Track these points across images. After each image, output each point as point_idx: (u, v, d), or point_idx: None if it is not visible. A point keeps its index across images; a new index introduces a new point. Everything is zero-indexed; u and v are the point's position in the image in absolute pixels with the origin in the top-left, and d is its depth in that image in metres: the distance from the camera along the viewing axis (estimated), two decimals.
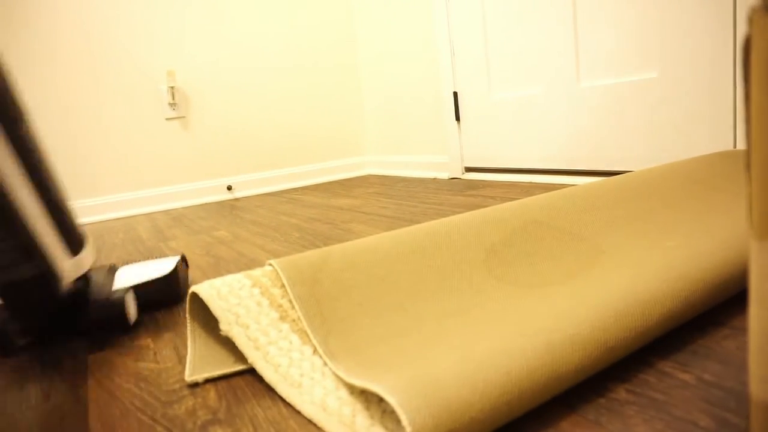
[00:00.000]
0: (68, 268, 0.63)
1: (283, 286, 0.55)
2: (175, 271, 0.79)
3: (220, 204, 2.05)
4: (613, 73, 1.35)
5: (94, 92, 1.94)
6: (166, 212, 2.00)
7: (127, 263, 0.84)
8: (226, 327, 0.51)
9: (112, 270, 0.79)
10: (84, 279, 0.72)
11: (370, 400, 0.43)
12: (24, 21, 1.82)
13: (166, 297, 0.79)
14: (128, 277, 0.77)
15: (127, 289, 0.70)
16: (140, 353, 0.64)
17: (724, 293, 0.52)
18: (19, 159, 0.57)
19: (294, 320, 0.53)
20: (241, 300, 0.53)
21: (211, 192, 2.16)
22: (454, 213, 1.25)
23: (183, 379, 0.55)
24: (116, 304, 0.67)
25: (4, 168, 0.53)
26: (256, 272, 0.57)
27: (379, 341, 0.48)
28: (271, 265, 0.56)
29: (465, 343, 0.43)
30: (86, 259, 0.69)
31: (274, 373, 0.49)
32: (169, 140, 2.08)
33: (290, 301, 0.54)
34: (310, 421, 0.44)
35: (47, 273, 0.57)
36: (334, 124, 2.41)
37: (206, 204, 2.10)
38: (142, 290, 0.75)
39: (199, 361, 0.55)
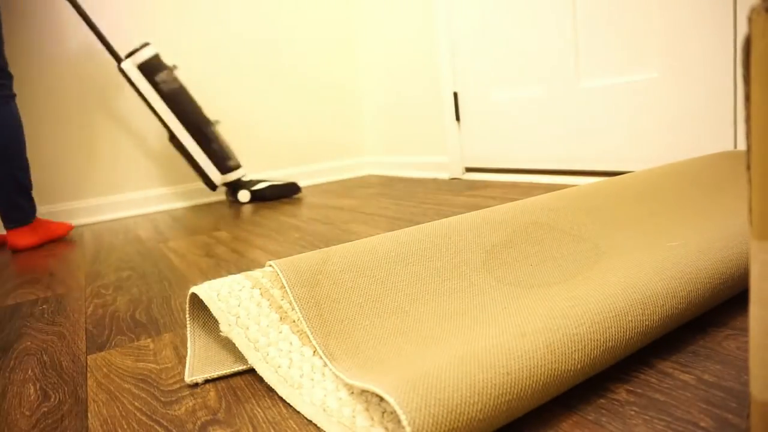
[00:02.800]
0: (217, 179, 1.89)
1: (283, 287, 0.55)
2: (292, 183, 1.95)
3: (220, 204, 2.05)
4: (613, 73, 1.35)
5: (94, 92, 1.94)
6: (166, 213, 2.00)
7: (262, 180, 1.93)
8: (226, 328, 0.51)
9: (256, 181, 1.95)
10: (237, 183, 1.94)
11: (370, 400, 0.43)
12: (24, 19, 1.82)
13: (290, 191, 1.93)
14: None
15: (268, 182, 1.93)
16: (140, 353, 0.64)
17: (725, 294, 0.52)
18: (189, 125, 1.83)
19: (294, 321, 0.53)
20: (241, 301, 0.53)
21: (211, 192, 2.16)
22: (454, 213, 1.25)
23: (183, 380, 0.55)
24: (264, 188, 1.92)
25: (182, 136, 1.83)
26: (256, 273, 0.57)
27: (378, 342, 0.48)
28: (271, 266, 0.56)
29: (465, 343, 0.43)
30: (230, 176, 1.91)
31: (275, 375, 0.49)
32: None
33: (290, 303, 0.54)
34: (310, 422, 0.44)
35: (208, 179, 1.88)
36: (334, 125, 2.41)
37: (206, 204, 2.10)
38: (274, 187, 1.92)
39: (199, 362, 0.55)
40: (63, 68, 1.89)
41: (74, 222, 1.94)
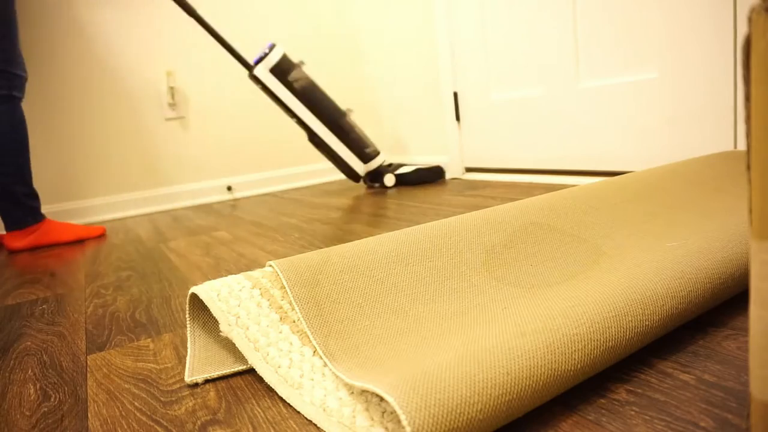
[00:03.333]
0: (360, 169, 1.89)
1: (283, 287, 0.55)
2: (437, 166, 1.89)
3: (220, 204, 2.05)
4: (613, 73, 1.35)
5: (94, 93, 1.94)
6: (166, 212, 2.00)
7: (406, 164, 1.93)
8: (226, 328, 0.51)
9: (397, 165, 1.95)
10: (378, 169, 1.90)
11: (370, 400, 0.43)
12: (24, 22, 1.82)
13: (435, 175, 1.89)
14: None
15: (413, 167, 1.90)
16: (140, 353, 0.64)
17: (725, 294, 0.52)
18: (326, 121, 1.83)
19: (294, 321, 0.53)
20: (241, 301, 0.53)
21: (211, 192, 2.16)
22: (454, 213, 1.25)
23: (183, 380, 0.55)
24: (408, 172, 1.88)
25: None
26: (256, 273, 0.57)
27: (378, 342, 0.48)
28: (271, 266, 0.56)
29: (465, 343, 0.43)
30: (373, 164, 1.89)
31: (275, 375, 0.49)
32: (169, 140, 2.08)
33: (290, 303, 0.54)
34: (309, 422, 0.44)
35: (352, 171, 1.89)
36: None
37: (206, 204, 2.10)
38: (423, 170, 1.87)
39: (199, 362, 0.55)
40: (64, 68, 1.89)
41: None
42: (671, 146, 1.24)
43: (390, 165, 1.95)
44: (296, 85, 1.77)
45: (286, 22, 2.25)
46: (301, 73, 1.79)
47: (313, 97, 1.79)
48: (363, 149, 1.86)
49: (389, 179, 1.87)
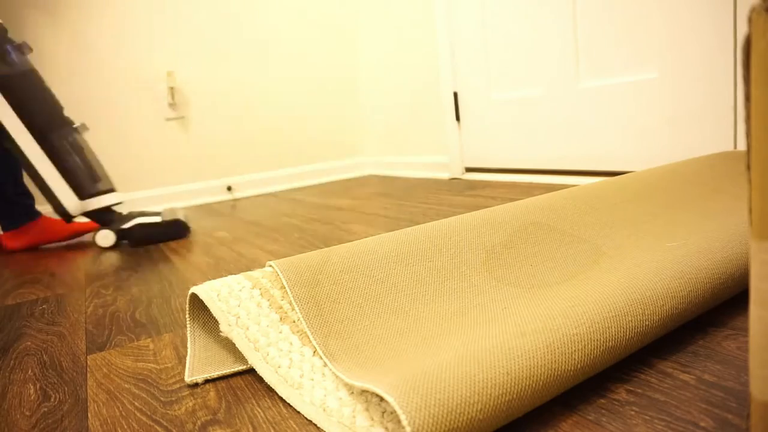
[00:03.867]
0: (72, 205, 1.36)
1: (283, 287, 0.55)
2: (177, 220, 1.40)
3: (220, 204, 2.05)
4: (613, 73, 1.35)
5: (94, 93, 1.94)
6: None
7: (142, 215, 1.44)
8: (226, 328, 0.51)
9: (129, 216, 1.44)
10: (105, 214, 1.43)
11: (370, 400, 0.43)
12: (23, 21, 1.82)
13: (175, 231, 1.40)
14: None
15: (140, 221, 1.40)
16: (140, 353, 0.64)
17: (725, 294, 0.52)
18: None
19: (294, 321, 0.53)
20: (241, 302, 0.53)
21: (211, 192, 2.16)
22: (454, 213, 1.25)
23: (183, 380, 0.55)
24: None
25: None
26: (256, 273, 0.57)
27: (378, 342, 0.48)
28: (271, 266, 0.56)
29: (465, 343, 0.43)
30: (92, 203, 1.39)
31: (275, 375, 0.49)
32: (169, 140, 2.08)
33: (290, 303, 0.54)
34: (309, 422, 0.44)
35: (60, 205, 1.37)
36: (334, 125, 2.41)
37: (206, 204, 2.10)
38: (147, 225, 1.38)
39: (199, 362, 0.55)
40: (61, 66, 1.89)
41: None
42: (671, 146, 1.24)
43: (121, 215, 1.44)
44: (2, 71, 1.29)
45: (284, 19, 2.25)
46: (16, 57, 1.32)
47: (22, 93, 1.31)
48: (81, 180, 1.36)
49: (104, 237, 1.37)
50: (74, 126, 1.39)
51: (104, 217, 1.41)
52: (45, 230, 1.52)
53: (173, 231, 1.39)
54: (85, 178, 1.37)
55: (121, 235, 1.38)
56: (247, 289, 0.55)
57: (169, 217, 1.40)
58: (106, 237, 1.38)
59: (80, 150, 1.38)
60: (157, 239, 1.38)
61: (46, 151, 1.33)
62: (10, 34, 1.38)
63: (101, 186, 1.41)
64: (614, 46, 1.33)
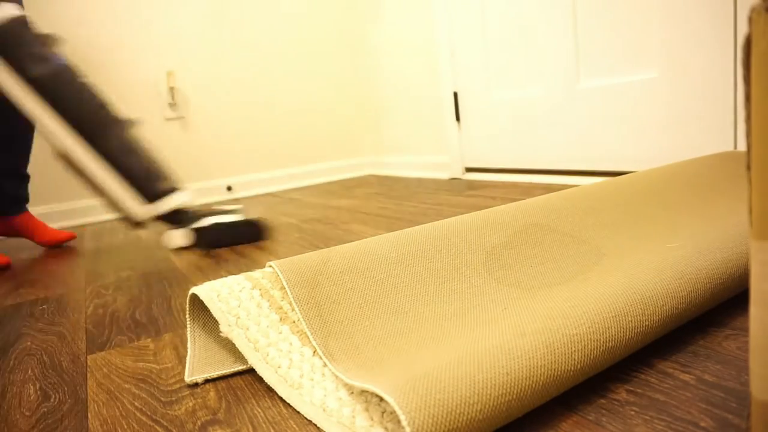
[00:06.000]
0: (139, 211, 1.18)
1: (283, 288, 0.55)
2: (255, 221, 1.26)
3: (221, 204, 2.05)
4: (613, 73, 1.35)
5: None
6: None
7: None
8: (226, 329, 0.51)
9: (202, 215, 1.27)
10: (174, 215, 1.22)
11: (370, 401, 0.43)
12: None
13: (253, 233, 1.26)
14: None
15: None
16: (140, 353, 0.64)
17: (725, 294, 0.52)
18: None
19: (294, 322, 0.53)
20: (241, 302, 0.53)
21: (211, 192, 2.16)
22: (454, 214, 1.25)
23: (183, 380, 0.55)
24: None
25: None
26: (256, 274, 0.57)
27: (378, 343, 0.48)
28: (271, 266, 0.56)
29: (464, 343, 0.43)
30: (161, 207, 1.19)
31: (275, 375, 0.49)
32: (169, 140, 2.08)
33: (290, 304, 0.54)
34: (309, 422, 0.44)
35: (125, 213, 1.19)
36: (333, 125, 2.41)
37: (206, 204, 2.10)
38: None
39: (199, 362, 0.55)
40: None
41: (74, 222, 1.94)
42: (671, 146, 1.24)
43: (191, 212, 1.24)
44: (33, 68, 1.10)
45: (284, 19, 2.25)
46: (49, 51, 1.14)
47: (62, 93, 1.13)
48: (146, 181, 1.17)
49: (178, 237, 1.22)
50: (126, 122, 1.20)
51: (176, 217, 1.22)
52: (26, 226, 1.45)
53: (251, 232, 1.24)
54: (149, 178, 1.18)
55: (194, 235, 1.22)
56: (247, 289, 0.55)
57: (244, 216, 1.26)
58: (180, 237, 1.22)
59: (137, 148, 1.19)
60: (232, 242, 1.23)
61: (100, 155, 1.15)
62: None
63: (166, 185, 1.20)
64: (614, 46, 1.33)
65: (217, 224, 1.22)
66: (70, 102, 1.13)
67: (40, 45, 1.12)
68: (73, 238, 1.52)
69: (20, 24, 1.11)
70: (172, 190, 1.20)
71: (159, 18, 2.02)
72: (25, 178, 1.47)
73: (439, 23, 1.88)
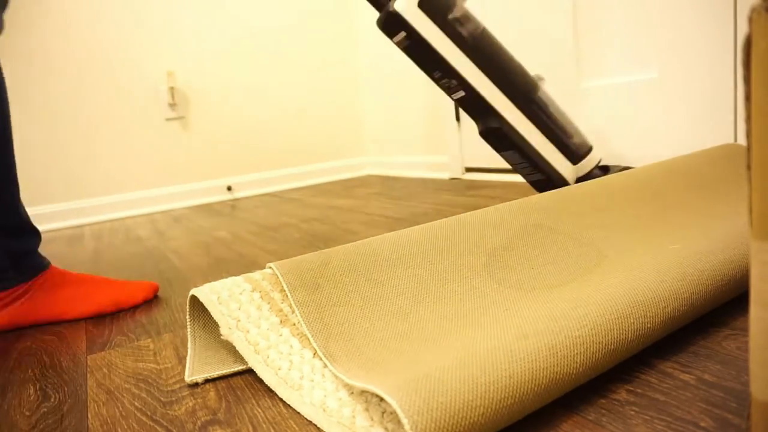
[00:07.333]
0: (569, 173, 1.11)
1: (283, 290, 0.55)
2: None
3: (220, 204, 2.05)
4: (613, 73, 1.35)
5: (95, 93, 1.94)
6: (166, 213, 2.00)
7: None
8: (226, 332, 0.51)
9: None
10: (591, 175, 1.14)
11: (370, 401, 0.43)
12: (23, 22, 1.82)
13: None
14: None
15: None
16: (140, 353, 0.64)
17: (726, 295, 0.52)
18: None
19: (294, 324, 0.53)
20: (241, 304, 0.53)
21: (211, 192, 2.16)
22: (454, 213, 1.25)
23: (183, 380, 0.55)
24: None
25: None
26: (256, 275, 0.57)
27: (379, 344, 0.48)
28: (270, 268, 0.56)
29: (466, 345, 0.43)
30: (585, 166, 1.12)
31: (275, 377, 0.49)
32: (169, 140, 2.08)
33: (290, 306, 0.54)
34: (309, 422, 0.44)
35: (555, 177, 1.11)
36: (334, 125, 2.41)
37: (206, 204, 2.10)
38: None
39: (199, 362, 0.55)
40: (62, 66, 1.89)
41: (74, 222, 1.94)
42: (671, 146, 1.24)
43: (606, 167, 1.18)
44: (463, 31, 1.05)
45: (284, 19, 2.25)
46: (470, 16, 1.07)
47: (491, 55, 1.06)
48: (568, 141, 1.12)
49: None
50: (537, 80, 1.12)
51: (596, 176, 1.14)
52: (43, 303, 0.81)
53: None
54: (570, 137, 1.12)
55: None
56: (247, 292, 0.55)
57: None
58: None
59: (554, 108, 1.12)
60: None
61: (532, 119, 1.10)
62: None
63: (581, 142, 1.13)
64: (614, 46, 1.33)
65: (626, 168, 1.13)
66: (498, 65, 1.07)
67: (452, 5, 1.06)
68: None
69: None
70: (590, 149, 1.14)
71: (159, 18, 2.02)
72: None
73: None
